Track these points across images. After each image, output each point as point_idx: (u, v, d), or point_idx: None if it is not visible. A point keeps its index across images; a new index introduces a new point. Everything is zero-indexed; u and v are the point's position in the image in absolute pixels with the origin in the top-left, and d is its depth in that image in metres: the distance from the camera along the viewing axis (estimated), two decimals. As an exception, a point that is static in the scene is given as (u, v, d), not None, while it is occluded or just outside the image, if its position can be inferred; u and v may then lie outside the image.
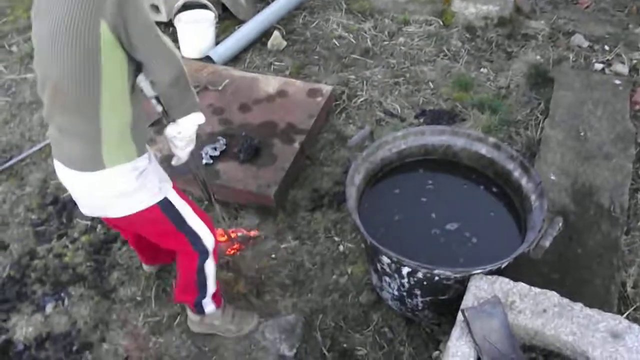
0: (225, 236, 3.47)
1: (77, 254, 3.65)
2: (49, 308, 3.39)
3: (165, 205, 2.57)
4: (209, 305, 3.06)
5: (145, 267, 3.49)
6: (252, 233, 3.67)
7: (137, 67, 2.29)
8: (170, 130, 2.52)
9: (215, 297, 3.05)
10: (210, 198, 3.17)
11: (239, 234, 3.62)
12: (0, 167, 4.22)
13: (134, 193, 2.45)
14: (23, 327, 3.31)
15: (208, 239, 2.78)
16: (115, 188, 2.41)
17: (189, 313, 3.16)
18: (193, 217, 2.70)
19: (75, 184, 2.46)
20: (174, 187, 2.63)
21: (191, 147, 2.64)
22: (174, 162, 2.71)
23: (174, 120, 2.49)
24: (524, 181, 3.03)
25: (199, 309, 3.07)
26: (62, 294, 3.45)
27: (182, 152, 2.62)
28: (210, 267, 2.89)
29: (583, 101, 4.25)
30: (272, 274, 3.50)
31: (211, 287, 2.98)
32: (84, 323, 3.32)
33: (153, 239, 2.83)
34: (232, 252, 3.56)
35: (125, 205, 2.49)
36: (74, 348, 3.21)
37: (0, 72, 5.21)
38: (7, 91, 5.00)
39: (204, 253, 2.81)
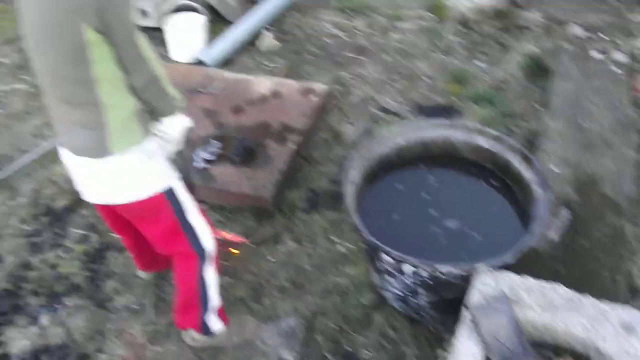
0: None
1: (71, 264, 3.59)
2: (44, 320, 3.32)
3: (171, 194, 2.54)
4: (215, 323, 2.97)
5: (141, 273, 3.42)
6: (235, 238, 3.55)
7: None
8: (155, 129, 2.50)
9: (220, 312, 2.97)
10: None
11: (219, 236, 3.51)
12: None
13: (142, 176, 2.43)
14: (19, 340, 3.24)
15: (208, 240, 2.74)
16: (122, 172, 2.39)
17: (194, 334, 3.05)
18: (195, 214, 2.67)
19: (82, 170, 2.44)
20: None
21: (177, 148, 2.61)
22: None
23: (160, 120, 2.48)
24: (525, 172, 2.97)
25: (206, 330, 2.97)
26: (58, 305, 3.39)
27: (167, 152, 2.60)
28: (210, 274, 2.82)
29: (582, 90, 4.18)
30: (270, 277, 3.44)
31: (214, 300, 2.89)
32: (80, 334, 3.25)
33: (152, 237, 2.75)
34: None
35: (132, 189, 2.45)
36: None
37: (-10, 83, 5.13)
38: (-1, 102, 4.93)
39: (202, 256, 2.74)
